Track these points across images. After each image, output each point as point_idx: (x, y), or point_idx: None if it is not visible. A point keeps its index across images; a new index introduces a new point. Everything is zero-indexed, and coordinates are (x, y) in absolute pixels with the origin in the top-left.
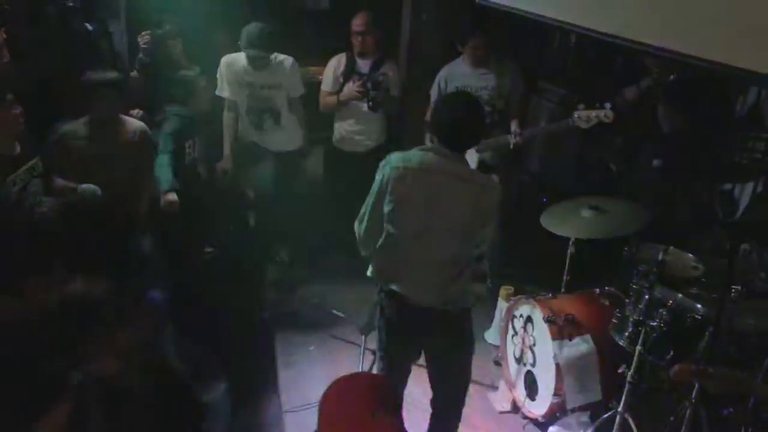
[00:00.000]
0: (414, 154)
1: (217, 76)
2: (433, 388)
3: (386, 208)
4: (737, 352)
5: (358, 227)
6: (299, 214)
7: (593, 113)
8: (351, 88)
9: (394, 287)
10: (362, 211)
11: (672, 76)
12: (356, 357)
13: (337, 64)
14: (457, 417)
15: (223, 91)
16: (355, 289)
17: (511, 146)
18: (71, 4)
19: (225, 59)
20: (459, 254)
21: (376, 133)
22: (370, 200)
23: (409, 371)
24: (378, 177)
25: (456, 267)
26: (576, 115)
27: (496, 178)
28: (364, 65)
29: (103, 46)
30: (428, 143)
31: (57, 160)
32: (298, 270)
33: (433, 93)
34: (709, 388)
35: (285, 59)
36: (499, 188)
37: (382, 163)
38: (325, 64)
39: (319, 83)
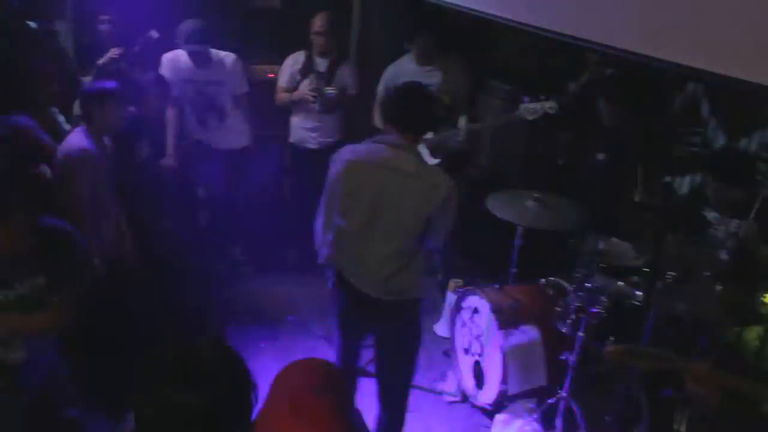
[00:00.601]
0: (364, 147)
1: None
2: (377, 376)
3: (337, 201)
4: (674, 335)
5: (316, 225)
6: (252, 212)
7: (539, 105)
8: (304, 89)
9: (344, 275)
10: (319, 207)
11: (609, 71)
12: (308, 352)
13: (293, 61)
14: (402, 408)
15: None
16: (308, 287)
17: (460, 140)
18: (16, 2)
19: (167, 56)
20: (405, 248)
21: (332, 131)
22: (324, 195)
23: (361, 345)
24: (330, 171)
25: (401, 260)
26: (523, 108)
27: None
28: (322, 64)
29: (48, 44)
30: None
31: (73, 180)
32: (251, 268)
33: (380, 91)
34: (640, 366)
35: (227, 56)
36: (450, 184)
37: (333, 156)
38: (275, 63)
39: (271, 82)
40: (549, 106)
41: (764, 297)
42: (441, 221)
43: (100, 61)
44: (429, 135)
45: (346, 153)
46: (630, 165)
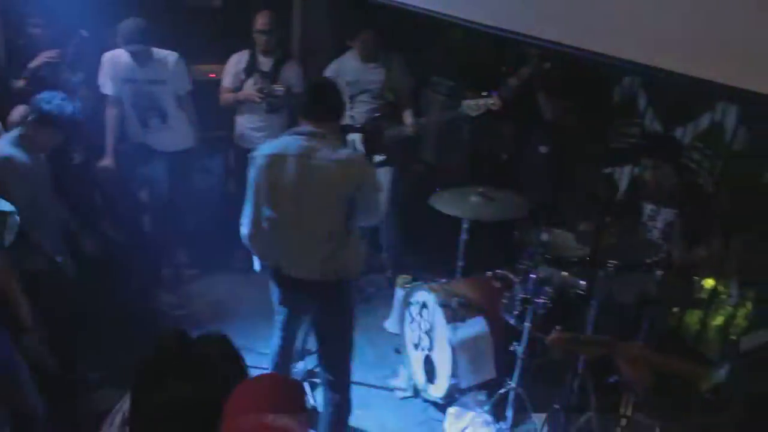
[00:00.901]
0: (280, 141)
1: (99, 73)
2: (318, 356)
3: (263, 195)
4: (618, 322)
5: (243, 220)
6: (198, 214)
7: (481, 101)
8: (250, 89)
9: (279, 264)
10: (246, 204)
11: (548, 65)
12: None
13: (237, 60)
14: (345, 384)
15: (106, 87)
16: (255, 287)
17: (407, 135)
18: None
19: (108, 55)
20: (334, 230)
21: (277, 130)
22: (250, 192)
23: (299, 329)
24: (251, 168)
25: (332, 242)
26: (465, 104)
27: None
28: (266, 63)
29: None
30: None
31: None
32: (197, 271)
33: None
34: (582, 353)
35: (169, 54)
36: (364, 161)
37: (251, 155)
38: (218, 63)
39: (212, 82)
40: (491, 102)
41: (704, 282)
42: (365, 200)
43: (31, 64)
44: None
45: (266, 149)
46: (571, 157)
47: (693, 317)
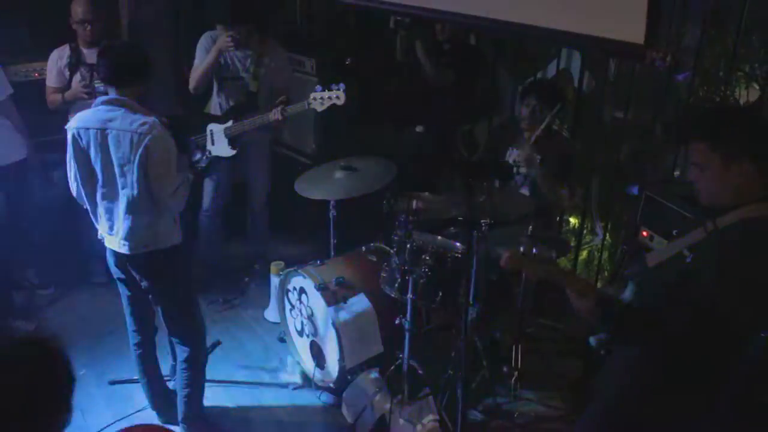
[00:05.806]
0: (87, 111)
1: None
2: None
3: (74, 168)
4: (497, 278)
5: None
6: (45, 230)
7: (327, 95)
8: (76, 87)
9: (105, 238)
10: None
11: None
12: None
13: (59, 56)
14: (193, 339)
15: None
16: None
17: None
18: None
19: None
20: (137, 199)
21: None
22: (72, 167)
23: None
24: (67, 143)
25: (137, 212)
26: (312, 97)
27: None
28: (90, 55)
29: None
30: None
31: None
32: (53, 290)
33: (199, 54)
34: (534, 273)
35: None
36: (154, 133)
37: (66, 127)
38: (39, 60)
39: (34, 82)
40: (336, 96)
41: (570, 221)
42: (156, 167)
43: None
44: (230, 123)
45: (74, 121)
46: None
47: (563, 261)
